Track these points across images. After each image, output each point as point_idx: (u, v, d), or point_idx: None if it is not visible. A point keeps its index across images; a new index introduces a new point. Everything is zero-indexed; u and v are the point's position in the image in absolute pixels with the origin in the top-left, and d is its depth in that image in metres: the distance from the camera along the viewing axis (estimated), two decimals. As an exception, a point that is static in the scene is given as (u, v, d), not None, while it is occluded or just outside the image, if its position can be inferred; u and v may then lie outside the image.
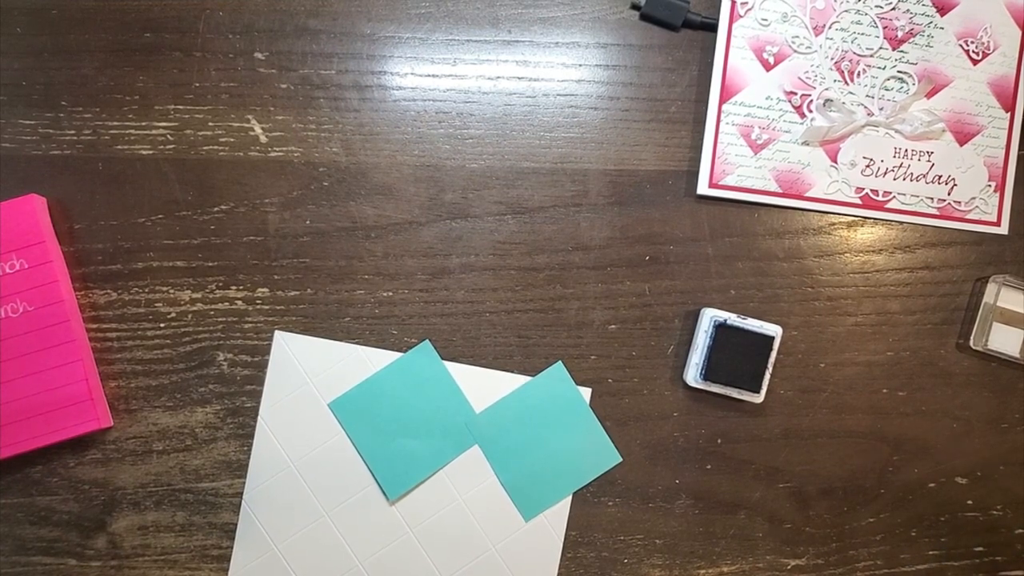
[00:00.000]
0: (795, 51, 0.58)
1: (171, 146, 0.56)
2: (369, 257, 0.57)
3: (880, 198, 0.59)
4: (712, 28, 0.58)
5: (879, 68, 0.58)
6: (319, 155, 0.56)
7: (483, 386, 0.57)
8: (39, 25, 0.55)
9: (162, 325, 0.56)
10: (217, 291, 0.56)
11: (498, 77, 0.57)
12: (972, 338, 0.59)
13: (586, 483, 0.58)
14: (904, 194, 0.59)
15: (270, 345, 0.56)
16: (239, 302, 0.56)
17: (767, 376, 0.57)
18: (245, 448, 0.56)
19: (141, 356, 0.55)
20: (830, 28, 0.58)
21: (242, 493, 0.56)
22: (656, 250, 0.58)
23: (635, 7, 0.58)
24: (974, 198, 0.60)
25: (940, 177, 0.59)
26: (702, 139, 0.58)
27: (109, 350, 0.55)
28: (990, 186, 0.60)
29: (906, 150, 0.59)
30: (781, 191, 0.58)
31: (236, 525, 0.56)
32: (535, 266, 0.58)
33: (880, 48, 0.58)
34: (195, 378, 0.56)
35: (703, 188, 0.58)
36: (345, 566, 0.56)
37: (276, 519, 0.56)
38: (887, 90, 0.59)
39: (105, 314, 0.55)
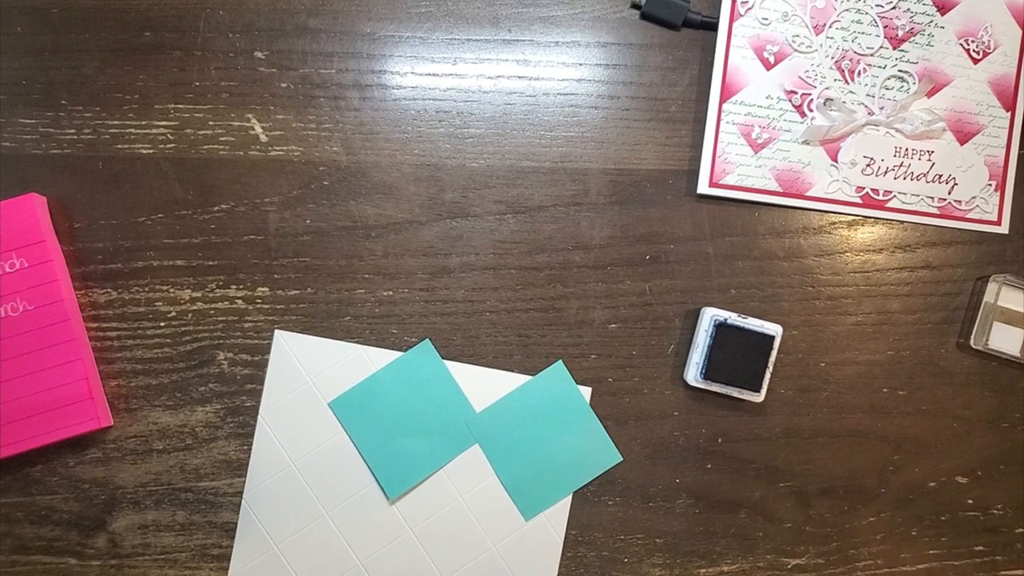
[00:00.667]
0: (795, 50, 0.58)
1: (171, 145, 0.56)
2: (369, 256, 0.57)
3: (880, 197, 0.59)
4: (712, 27, 0.57)
5: (879, 67, 0.58)
6: (319, 154, 0.56)
7: (483, 385, 0.57)
8: (39, 24, 0.55)
9: (162, 324, 0.56)
10: (217, 290, 0.56)
11: (498, 76, 0.57)
12: (972, 337, 0.59)
13: (586, 482, 0.58)
14: (904, 193, 0.59)
15: (270, 344, 0.56)
16: (239, 301, 0.56)
17: (767, 375, 0.57)
18: (245, 447, 0.56)
19: (141, 355, 0.55)
20: (830, 27, 0.58)
21: (242, 492, 0.56)
22: (656, 249, 0.58)
23: (635, 6, 0.58)
24: (974, 197, 0.60)
25: (940, 176, 0.59)
26: (702, 138, 0.58)
27: (109, 349, 0.55)
28: (990, 185, 0.60)
29: (906, 149, 0.59)
30: (781, 190, 0.58)
31: (236, 524, 0.56)
32: (535, 265, 0.58)
33: (880, 47, 0.58)
34: (195, 377, 0.56)
35: (703, 187, 0.58)
36: (345, 565, 0.56)
37: (276, 518, 0.56)
38: (887, 89, 0.59)
39: (105, 313, 0.55)
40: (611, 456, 0.58)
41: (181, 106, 0.56)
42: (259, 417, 0.56)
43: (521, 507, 0.57)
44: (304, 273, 0.56)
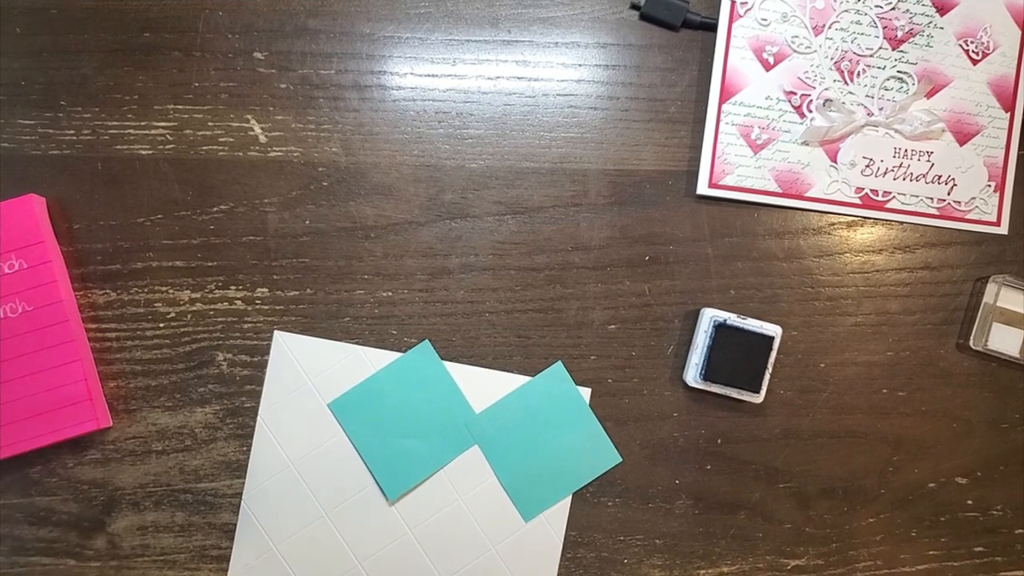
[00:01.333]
0: (795, 51, 0.58)
1: (170, 146, 0.56)
2: (369, 257, 0.57)
3: (880, 198, 0.59)
4: (712, 28, 0.57)
5: (879, 68, 0.58)
6: (318, 155, 0.56)
7: (483, 386, 0.57)
8: (39, 25, 0.55)
9: (161, 325, 0.55)
10: (216, 291, 0.56)
11: (498, 77, 0.57)
12: (972, 338, 0.59)
13: (586, 483, 0.58)
14: (904, 194, 0.59)
15: (269, 345, 0.56)
16: (238, 302, 0.56)
17: (767, 376, 0.57)
18: (244, 448, 0.56)
19: (140, 356, 0.55)
20: (830, 28, 0.58)
21: (241, 493, 0.56)
22: (656, 250, 0.58)
23: (635, 7, 0.58)
24: (974, 198, 0.60)
25: (940, 177, 0.59)
26: (702, 139, 0.58)
27: (108, 350, 0.55)
28: (990, 186, 0.60)
29: (906, 150, 0.59)
30: (781, 191, 0.58)
31: (235, 525, 0.56)
32: (535, 266, 0.58)
33: (880, 48, 0.58)
34: (194, 378, 0.56)
35: (703, 188, 0.58)
36: (345, 566, 0.56)
37: (276, 519, 0.56)
38: (887, 90, 0.59)
39: (104, 314, 0.55)
40: (610, 457, 0.58)
41: (180, 107, 0.56)
42: (258, 418, 0.56)
43: (521, 508, 0.57)
44: (303, 274, 0.56)
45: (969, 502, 0.61)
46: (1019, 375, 0.61)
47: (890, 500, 0.60)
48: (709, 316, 0.56)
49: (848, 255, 0.60)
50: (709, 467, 0.59)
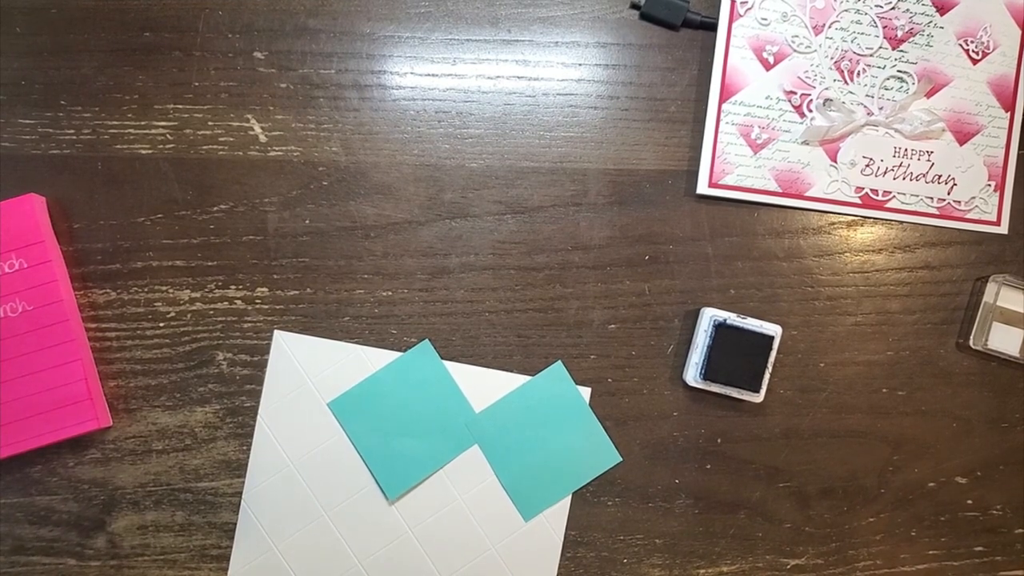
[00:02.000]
0: (795, 50, 0.58)
1: (170, 145, 0.56)
2: (369, 257, 0.57)
3: (880, 198, 0.59)
4: (712, 27, 0.57)
5: (879, 68, 0.58)
6: (319, 155, 0.56)
7: (483, 386, 0.57)
8: (39, 25, 0.55)
9: (161, 325, 0.56)
10: (216, 291, 0.56)
11: (498, 76, 0.57)
12: (972, 338, 0.59)
13: (586, 483, 0.58)
14: (904, 194, 0.59)
15: (269, 345, 0.56)
16: (238, 302, 0.56)
17: (767, 376, 0.57)
18: (244, 448, 0.56)
19: (140, 356, 0.55)
20: (830, 27, 0.58)
21: (241, 493, 0.56)
22: (656, 250, 0.58)
23: (635, 6, 0.58)
24: (974, 198, 0.60)
25: (940, 177, 0.59)
26: (702, 138, 0.58)
27: (108, 350, 0.55)
28: (990, 186, 0.60)
29: (906, 150, 0.59)
30: (781, 191, 0.58)
31: (235, 525, 0.56)
32: (535, 266, 0.58)
33: (880, 48, 0.58)
34: (194, 378, 0.56)
35: (703, 188, 0.58)
36: (345, 566, 0.56)
37: (276, 519, 0.56)
38: (887, 89, 0.59)
39: (104, 313, 0.55)
40: (610, 456, 0.58)
41: (180, 106, 0.56)
42: (258, 417, 0.56)
43: (520, 507, 0.57)
44: (303, 273, 0.56)
45: (969, 502, 0.61)
46: (1019, 375, 0.61)
47: (890, 500, 0.60)
48: (709, 316, 0.56)
49: (848, 255, 0.60)
50: (709, 467, 0.59)
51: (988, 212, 0.60)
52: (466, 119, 0.57)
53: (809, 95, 0.58)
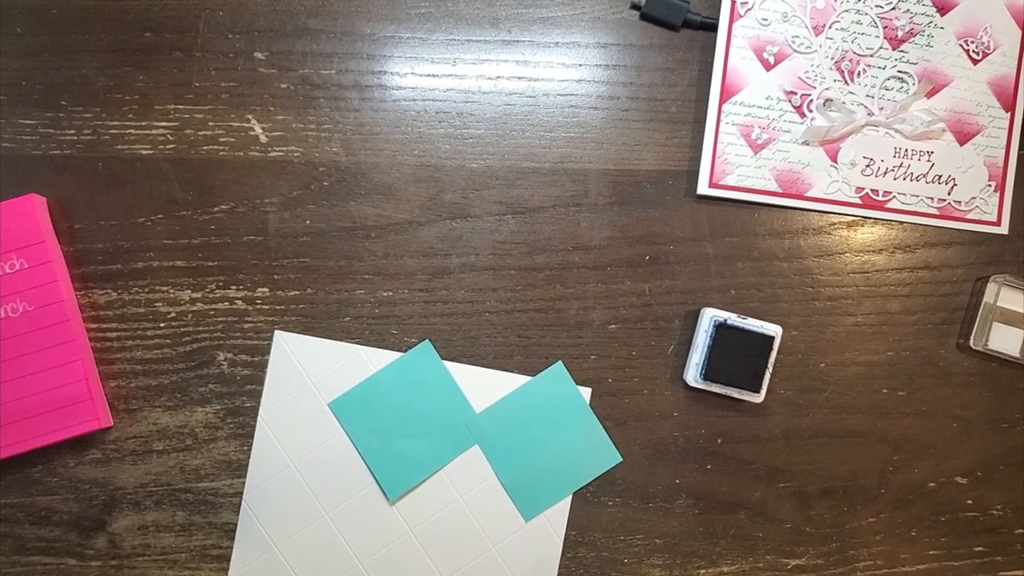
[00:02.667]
0: (795, 51, 0.58)
1: (171, 146, 0.56)
2: (369, 257, 0.57)
3: (880, 198, 0.59)
4: (712, 28, 0.58)
5: (879, 68, 0.58)
6: (319, 155, 0.56)
7: (483, 386, 0.57)
8: (39, 25, 0.55)
9: (162, 325, 0.56)
10: (217, 291, 0.56)
11: (498, 77, 0.57)
12: (972, 338, 0.59)
13: (586, 483, 0.58)
14: (904, 194, 0.59)
15: (270, 345, 0.56)
16: (239, 302, 0.56)
17: (767, 376, 0.57)
18: (245, 448, 0.56)
19: (141, 356, 0.55)
20: (830, 28, 0.58)
21: (242, 493, 0.56)
22: (656, 250, 0.58)
23: (635, 7, 0.58)
24: (974, 198, 0.60)
25: (940, 177, 0.59)
26: (702, 139, 0.58)
27: (109, 350, 0.55)
28: (990, 186, 0.60)
29: (906, 150, 0.59)
30: (781, 191, 0.58)
31: (236, 525, 0.56)
32: (535, 266, 0.58)
33: (880, 48, 0.58)
34: (195, 378, 0.56)
35: (703, 188, 0.58)
36: (345, 566, 0.56)
37: (276, 519, 0.56)
38: (887, 90, 0.59)
39: (105, 314, 0.55)
40: (611, 457, 0.58)
41: (181, 107, 0.56)
42: (259, 418, 0.56)
43: (521, 508, 0.57)
44: (304, 274, 0.56)
45: (969, 502, 0.61)
46: (1019, 375, 0.61)
47: (890, 500, 0.60)
48: (709, 316, 0.56)
49: (848, 255, 0.60)
50: (709, 467, 0.59)
51: (988, 212, 0.60)
52: (467, 119, 0.57)
53: (809, 95, 0.58)
